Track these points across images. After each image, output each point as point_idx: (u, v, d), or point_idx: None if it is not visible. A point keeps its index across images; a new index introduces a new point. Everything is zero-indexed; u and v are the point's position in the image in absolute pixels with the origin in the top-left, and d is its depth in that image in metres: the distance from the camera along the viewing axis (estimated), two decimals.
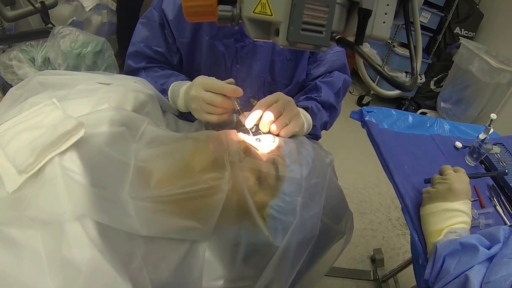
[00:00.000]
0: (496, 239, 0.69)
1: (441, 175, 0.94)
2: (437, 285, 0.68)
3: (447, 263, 0.70)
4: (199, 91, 0.86)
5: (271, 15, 0.52)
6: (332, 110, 1.10)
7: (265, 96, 0.91)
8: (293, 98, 0.94)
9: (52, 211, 0.52)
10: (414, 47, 0.61)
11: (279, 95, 0.89)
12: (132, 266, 0.56)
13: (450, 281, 0.65)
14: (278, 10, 0.52)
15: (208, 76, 0.91)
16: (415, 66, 0.58)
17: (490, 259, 0.65)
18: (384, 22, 0.56)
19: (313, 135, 1.07)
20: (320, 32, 0.52)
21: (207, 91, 0.85)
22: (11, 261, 0.50)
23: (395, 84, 0.51)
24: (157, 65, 1.10)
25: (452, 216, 0.83)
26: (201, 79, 0.88)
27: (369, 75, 0.62)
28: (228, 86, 0.84)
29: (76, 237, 0.50)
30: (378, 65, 0.49)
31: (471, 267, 0.64)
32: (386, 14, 0.55)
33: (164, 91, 0.99)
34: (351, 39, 0.55)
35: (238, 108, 0.86)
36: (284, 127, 0.86)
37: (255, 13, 0.52)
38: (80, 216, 0.52)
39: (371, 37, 0.57)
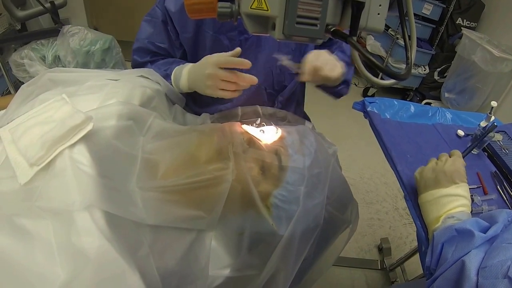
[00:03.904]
0: (495, 221, 0.67)
1: None
2: (437, 272, 0.67)
3: (445, 250, 0.70)
4: (214, 69, 0.90)
5: (267, 10, 0.54)
6: (349, 67, 1.14)
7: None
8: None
9: (62, 202, 0.54)
10: (409, 36, 0.62)
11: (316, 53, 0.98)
12: (139, 255, 0.57)
13: (448, 267, 0.64)
14: (273, 5, 0.54)
15: None
16: (409, 55, 0.59)
17: (490, 241, 0.64)
18: (378, 14, 0.57)
19: (346, 83, 1.15)
20: (315, 25, 0.54)
21: (221, 68, 0.90)
22: (23, 251, 0.52)
23: (389, 73, 0.53)
24: (160, 58, 1.13)
25: (448, 202, 0.81)
26: (212, 58, 0.92)
27: (366, 68, 0.64)
28: (236, 59, 0.90)
29: (85, 226, 0.52)
30: (371, 55, 0.51)
31: (467, 253, 0.63)
32: (380, 5, 0.56)
33: (167, 76, 1.03)
34: (347, 31, 0.56)
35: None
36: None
37: (252, 8, 0.54)
38: (88, 206, 0.54)
39: (366, 29, 0.58)
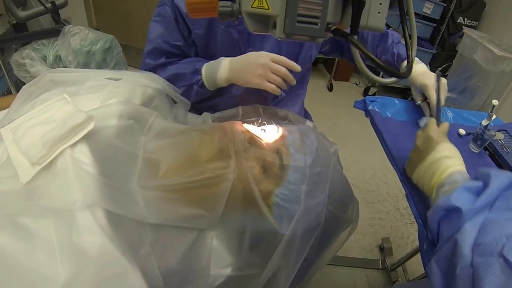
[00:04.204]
0: (487, 183, 0.63)
1: None
2: (436, 248, 0.66)
3: (441, 228, 0.67)
4: (268, 60, 0.96)
5: (268, 9, 0.54)
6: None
7: None
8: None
9: (64, 201, 0.54)
10: (409, 35, 0.62)
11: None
12: (140, 253, 0.57)
13: (444, 245, 0.62)
14: (274, 4, 0.54)
15: None
16: (410, 54, 0.59)
17: (485, 209, 0.60)
18: (379, 13, 0.57)
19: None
20: (315, 24, 0.54)
21: (274, 62, 0.96)
22: (24, 250, 0.52)
23: (389, 71, 0.53)
24: (177, 59, 1.13)
25: (434, 171, 0.77)
26: (266, 52, 0.98)
27: (367, 65, 0.64)
28: (291, 61, 0.98)
29: (87, 225, 0.52)
30: (372, 53, 0.51)
31: (459, 229, 0.59)
32: (381, 4, 0.57)
33: (196, 72, 1.05)
34: (348, 30, 0.56)
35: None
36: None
37: (253, 7, 0.55)
38: (90, 205, 0.54)
39: (366, 27, 0.58)
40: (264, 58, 0.96)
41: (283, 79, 0.98)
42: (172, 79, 1.05)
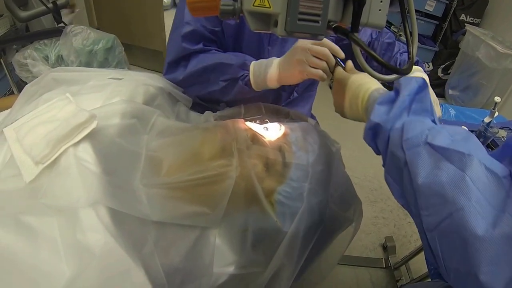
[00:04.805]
0: (398, 89, 0.64)
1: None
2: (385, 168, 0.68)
3: (378, 146, 0.70)
4: (307, 44, 0.86)
5: (270, 7, 0.54)
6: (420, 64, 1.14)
7: None
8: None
9: (67, 199, 0.54)
10: (410, 32, 0.62)
11: None
12: (144, 251, 0.58)
13: (385, 160, 0.67)
14: (275, 2, 0.54)
15: None
16: (411, 50, 0.59)
17: (405, 110, 0.61)
18: (380, 10, 0.58)
19: None
20: (316, 21, 0.54)
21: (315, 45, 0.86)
22: (28, 248, 0.53)
23: (391, 68, 0.53)
24: (213, 48, 1.04)
25: (357, 100, 0.75)
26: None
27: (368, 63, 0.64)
28: (334, 45, 0.87)
29: (90, 223, 0.53)
30: (373, 51, 0.51)
31: (387, 141, 0.63)
32: (381, 1, 0.57)
33: (244, 65, 0.97)
34: (349, 27, 0.56)
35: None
36: None
37: (255, 6, 0.55)
38: (93, 203, 0.54)
39: (367, 25, 0.58)
40: (304, 43, 0.87)
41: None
42: (213, 69, 0.98)
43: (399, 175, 0.60)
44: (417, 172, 0.53)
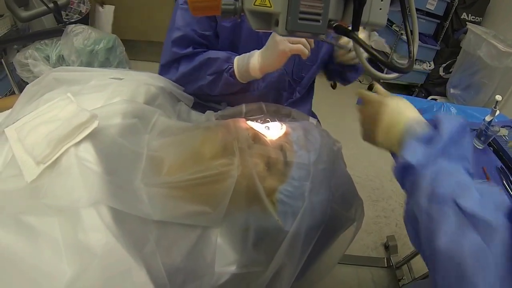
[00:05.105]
0: (437, 126, 0.62)
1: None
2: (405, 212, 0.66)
3: (406, 185, 0.66)
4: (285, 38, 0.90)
5: (271, 6, 0.54)
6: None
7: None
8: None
9: (68, 199, 0.54)
10: (411, 31, 0.62)
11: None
12: (145, 251, 0.58)
13: (408, 203, 0.64)
14: (276, 1, 0.54)
15: None
16: (412, 49, 0.59)
17: (440, 153, 0.60)
18: (380, 9, 0.58)
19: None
20: (317, 20, 0.54)
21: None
22: (29, 248, 0.53)
23: (391, 67, 0.53)
24: (203, 50, 1.08)
25: (394, 128, 0.70)
26: None
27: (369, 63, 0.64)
28: (305, 40, 0.91)
29: (92, 223, 0.53)
30: (373, 50, 0.51)
31: (414, 184, 0.60)
32: (382, 0, 0.57)
33: (229, 59, 1.02)
34: (350, 26, 0.56)
35: None
36: None
37: (256, 5, 0.55)
38: (95, 202, 0.54)
39: (368, 24, 0.58)
40: (281, 37, 0.90)
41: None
42: (202, 66, 1.03)
43: (418, 224, 0.59)
44: (439, 234, 0.52)
